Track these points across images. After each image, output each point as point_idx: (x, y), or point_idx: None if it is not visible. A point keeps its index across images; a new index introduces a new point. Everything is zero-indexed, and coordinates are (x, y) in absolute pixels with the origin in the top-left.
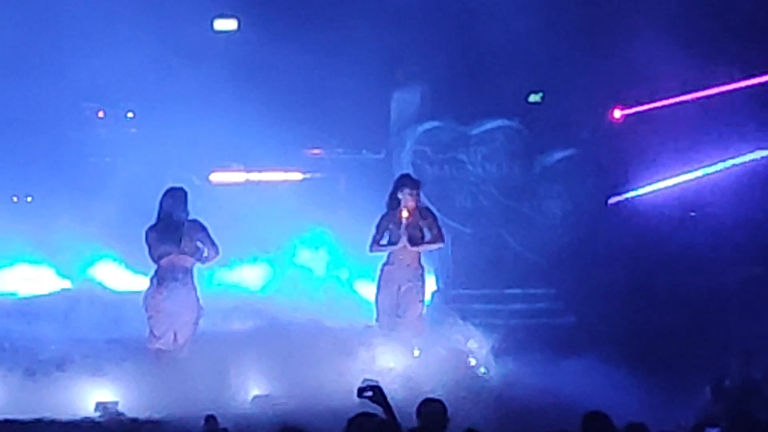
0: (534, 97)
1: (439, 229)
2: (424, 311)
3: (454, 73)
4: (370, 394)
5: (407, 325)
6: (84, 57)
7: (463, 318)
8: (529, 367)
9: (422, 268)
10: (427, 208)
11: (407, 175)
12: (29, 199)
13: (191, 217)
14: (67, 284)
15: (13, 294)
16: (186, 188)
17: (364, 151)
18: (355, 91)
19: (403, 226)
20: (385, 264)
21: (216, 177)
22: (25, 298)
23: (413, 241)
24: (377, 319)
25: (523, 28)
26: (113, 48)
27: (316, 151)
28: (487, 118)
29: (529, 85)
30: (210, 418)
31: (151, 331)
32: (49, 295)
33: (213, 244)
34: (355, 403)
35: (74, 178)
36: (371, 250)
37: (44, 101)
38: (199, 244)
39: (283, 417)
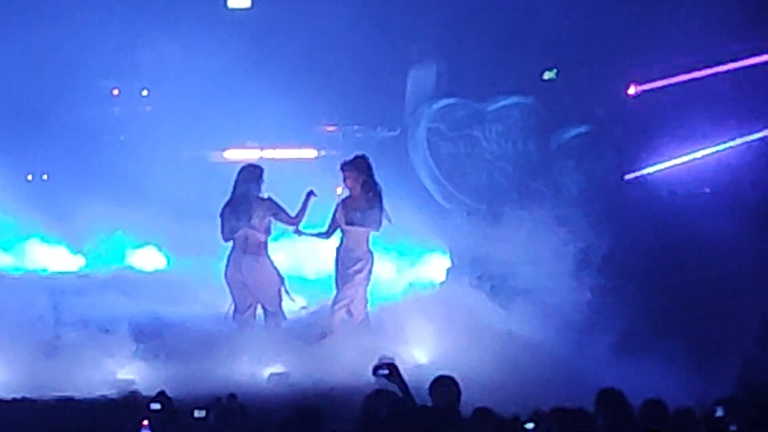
0: (549, 74)
1: (379, 212)
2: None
3: (469, 51)
4: (385, 372)
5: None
6: (99, 35)
7: (477, 295)
8: (544, 344)
9: (370, 253)
10: (375, 192)
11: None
12: (45, 177)
13: (266, 195)
14: (81, 262)
15: (43, 270)
16: (261, 166)
17: (378, 128)
18: (371, 68)
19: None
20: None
21: (231, 154)
22: (51, 275)
23: (348, 221)
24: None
25: (538, 4)
26: (128, 26)
27: (330, 128)
28: (502, 95)
29: (544, 62)
30: (231, 396)
31: (235, 306)
32: (71, 273)
33: (288, 216)
34: (370, 382)
35: (90, 157)
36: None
37: (59, 79)
38: (272, 219)
39: (298, 395)
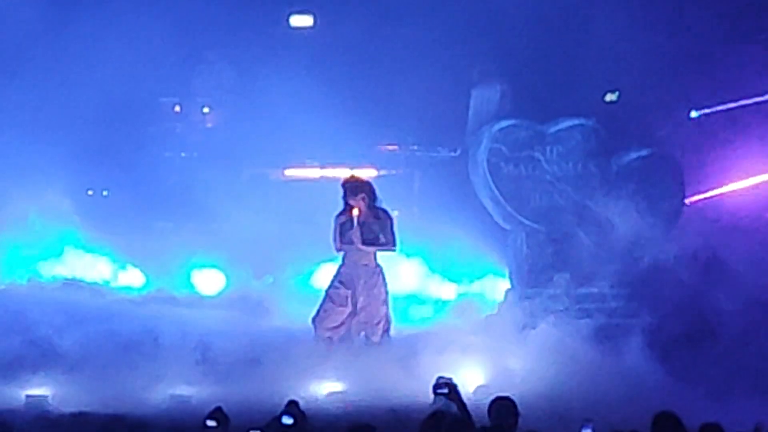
0: (610, 96)
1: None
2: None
3: (531, 72)
4: (445, 391)
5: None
6: (161, 52)
7: (536, 316)
8: (600, 366)
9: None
10: (383, 210)
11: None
12: (105, 193)
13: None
14: (140, 278)
15: (103, 284)
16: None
17: (439, 149)
18: (432, 88)
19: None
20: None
21: (291, 173)
22: (108, 290)
23: (364, 241)
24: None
25: (600, 26)
26: (191, 43)
27: (391, 147)
28: (564, 116)
29: (606, 84)
30: (292, 403)
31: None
32: (130, 289)
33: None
34: (427, 401)
35: (150, 173)
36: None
37: (121, 96)
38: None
39: (357, 414)
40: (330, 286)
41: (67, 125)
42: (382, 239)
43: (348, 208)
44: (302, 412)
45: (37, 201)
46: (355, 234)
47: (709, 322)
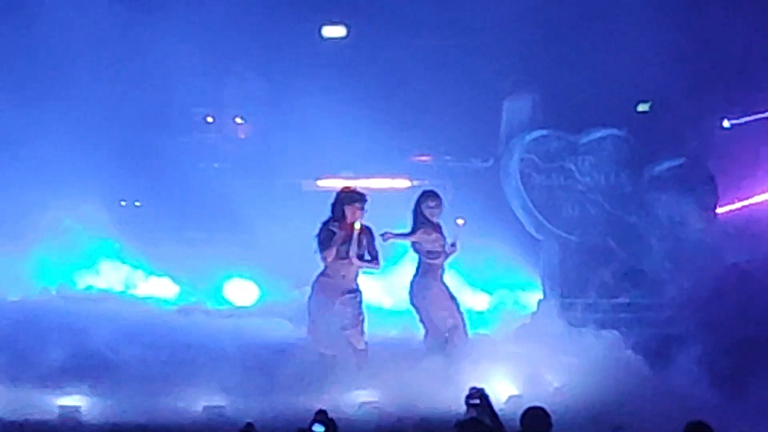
0: (643, 107)
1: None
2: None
3: (563, 82)
4: (476, 401)
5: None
6: (194, 62)
7: (570, 326)
8: (633, 377)
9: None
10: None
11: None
12: (138, 203)
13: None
14: (174, 289)
15: (130, 295)
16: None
17: (471, 159)
18: (464, 99)
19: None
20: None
21: (324, 183)
22: (138, 301)
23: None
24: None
25: (632, 36)
26: (223, 54)
27: (423, 158)
28: (596, 127)
29: (638, 94)
30: (320, 412)
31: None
32: (161, 300)
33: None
34: (459, 411)
35: (183, 184)
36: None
37: (154, 106)
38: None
39: (390, 424)
40: (312, 296)
41: (101, 136)
42: (367, 256)
43: (343, 218)
44: (332, 421)
45: (71, 211)
46: (353, 248)
47: (745, 332)
